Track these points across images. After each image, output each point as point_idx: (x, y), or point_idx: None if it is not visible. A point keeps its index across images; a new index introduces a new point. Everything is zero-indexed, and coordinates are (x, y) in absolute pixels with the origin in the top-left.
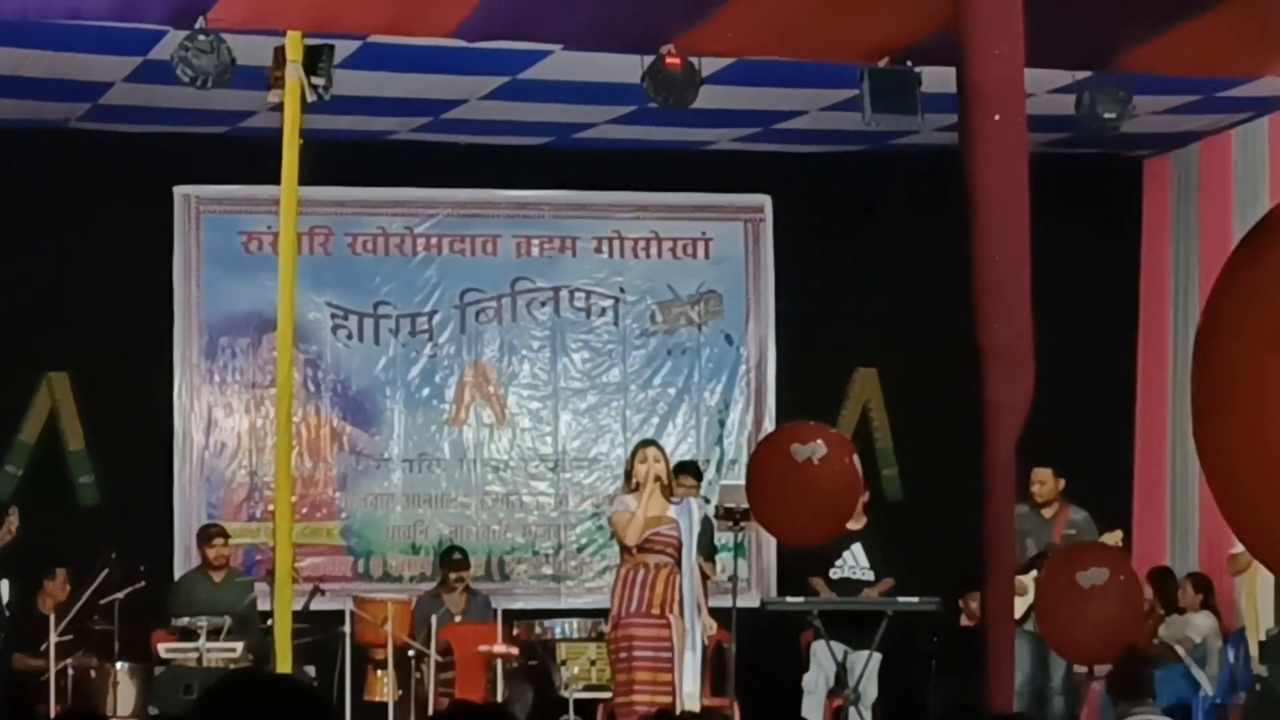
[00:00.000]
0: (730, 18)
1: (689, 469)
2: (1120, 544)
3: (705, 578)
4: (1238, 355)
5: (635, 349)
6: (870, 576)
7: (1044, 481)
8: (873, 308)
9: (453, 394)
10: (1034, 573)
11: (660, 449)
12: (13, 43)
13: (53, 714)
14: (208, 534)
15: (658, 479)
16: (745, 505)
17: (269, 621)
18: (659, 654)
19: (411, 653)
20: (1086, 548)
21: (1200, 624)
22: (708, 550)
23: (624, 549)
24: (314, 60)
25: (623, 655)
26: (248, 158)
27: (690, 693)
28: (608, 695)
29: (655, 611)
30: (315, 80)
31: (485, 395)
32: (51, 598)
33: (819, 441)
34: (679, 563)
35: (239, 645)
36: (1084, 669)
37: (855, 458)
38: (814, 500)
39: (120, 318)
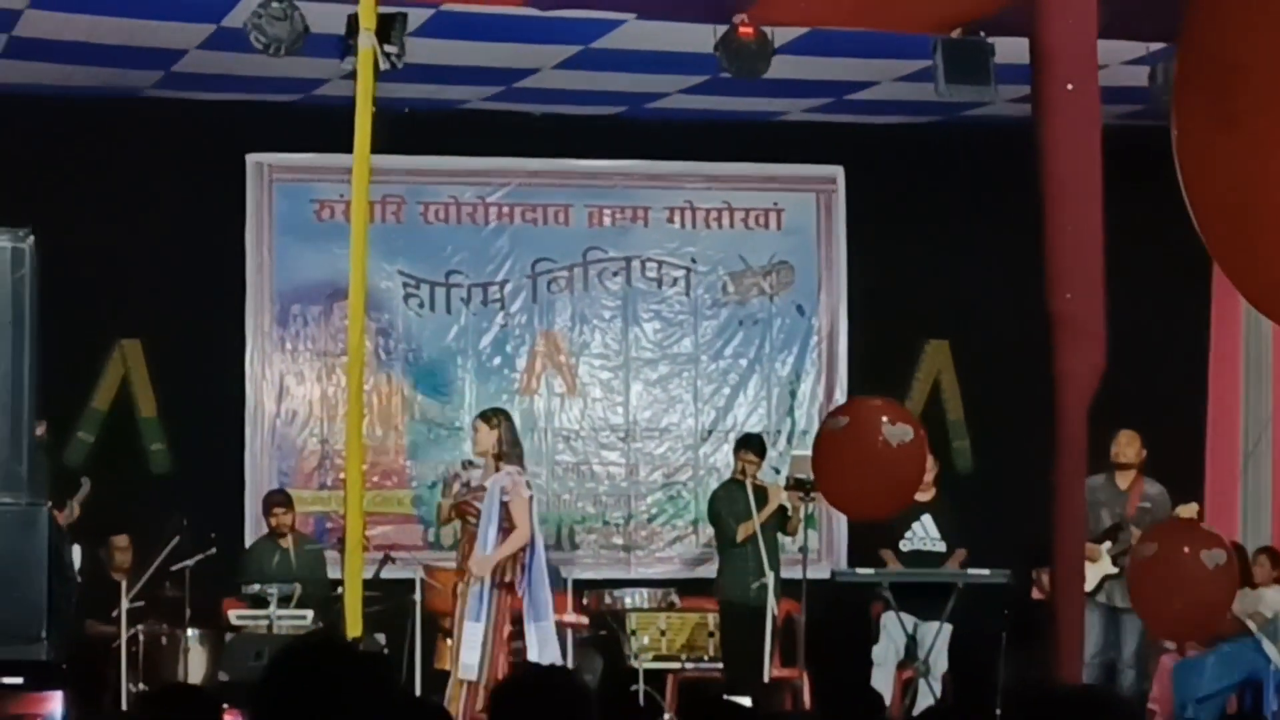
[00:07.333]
0: None
1: (752, 444)
2: (1196, 516)
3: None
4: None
5: (706, 319)
6: (942, 548)
7: (1130, 444)
8: (944, 279)
9: (524, 363)
10: (1108, 544)
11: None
12: (87, 10)
13: (124, 679)
14: (269, 502)
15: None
16: (814, 476)
17: (339, 590)
18: None
19: None
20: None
21: (1272, 598)
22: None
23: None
24: (387, 28)
25: None
26: (320, 126)
27: (468, 664)
28: (678, 665)
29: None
30: (388, 48)
31: (556, 365)
32: (115, 559)
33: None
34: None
35: (309, 613)
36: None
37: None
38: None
39: (192, 285)
